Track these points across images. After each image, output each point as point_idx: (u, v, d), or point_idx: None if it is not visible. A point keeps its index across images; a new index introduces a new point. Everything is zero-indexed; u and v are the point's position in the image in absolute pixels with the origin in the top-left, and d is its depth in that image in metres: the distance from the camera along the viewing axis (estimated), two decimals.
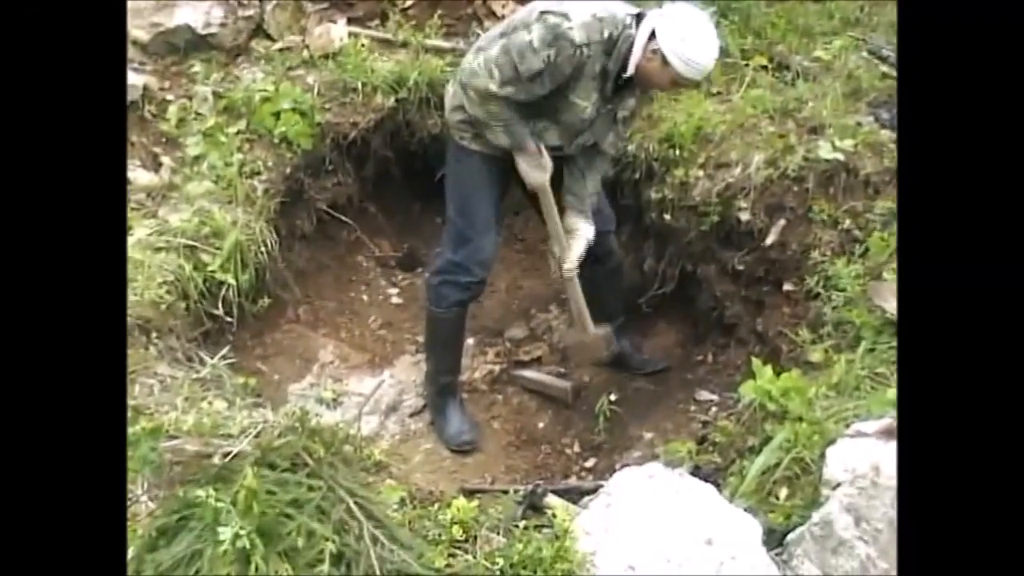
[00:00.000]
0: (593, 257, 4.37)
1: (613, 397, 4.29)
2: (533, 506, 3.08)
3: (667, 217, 4.62)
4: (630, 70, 3.68)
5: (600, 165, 4.13)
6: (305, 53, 5.30)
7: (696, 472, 3.09)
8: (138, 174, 4.39)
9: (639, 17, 3.69)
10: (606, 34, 3.64)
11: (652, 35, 3.61)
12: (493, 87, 3.72)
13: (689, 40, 3.58)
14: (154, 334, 3.64)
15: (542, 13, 3.66)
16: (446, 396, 4.39)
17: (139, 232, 4.04)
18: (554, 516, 2.64)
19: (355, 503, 2.51)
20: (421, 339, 4.90)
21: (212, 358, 3.59)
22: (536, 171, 3.93)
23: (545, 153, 3.93)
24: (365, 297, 5.32)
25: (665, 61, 3.59)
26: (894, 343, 3.34)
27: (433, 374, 4.43)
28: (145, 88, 4.74)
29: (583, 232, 4.10)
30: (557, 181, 4.08)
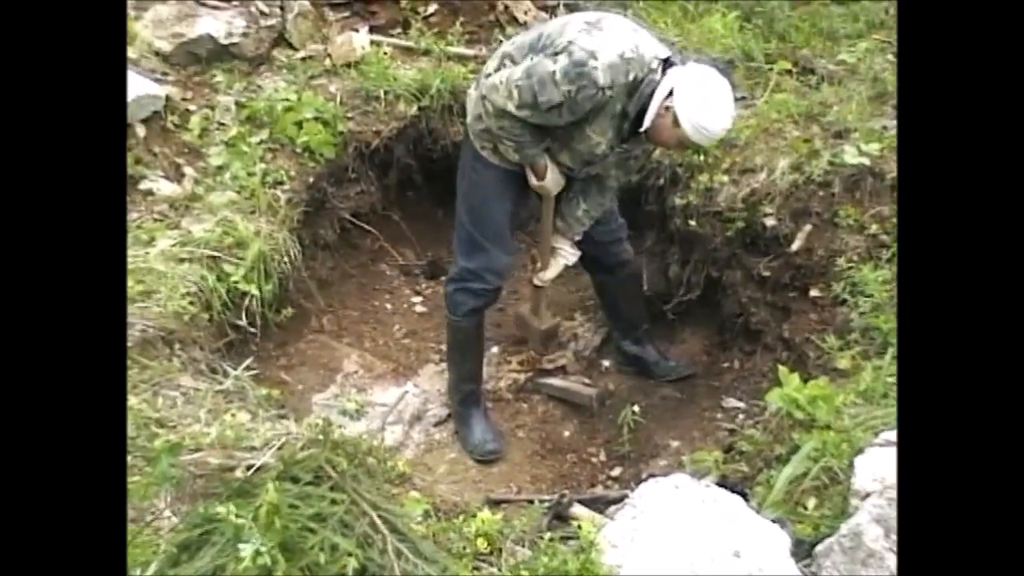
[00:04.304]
0: (604, 268, 4.44)
1: (636, 408, 4.25)
2: (559, 516, 3.07)
3: (692, 223, 4.60)
4: (645, 124, 3.63)
5: (597, 197, 4.14)
6: (327, 62, 5.31)
7: (723, 482, 3.07)
8: (161, 184, 4.39)
9: (667, 62, 3.62)
10: (631, 76, 3.57)
11: (671, 93, 3.56)
12: (511, 107, 3.69)
13: (704, 107, 3.53)
14: (177, 345, 3.64)
15: (570, 43, 3.57)
16: (470, 405, 4.39)
17: (162, 243, 4.04)
18: (579, 528, 2.61)
19: (379, 516, 2.49)
20: (445, 348, 4.90)
21: (235, 369, 3.59)
22: (545, 189, 4.04)
23: (555, 171, 3.98)
24: (389, 306, 5.31)
25: (676, 122, 3.56)
26: None
27: (456, 382, 4.44)
28: (168, 98, 4.74)
29: (565, 255, 4.27)
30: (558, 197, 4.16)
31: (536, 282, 4.34)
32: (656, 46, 3.67)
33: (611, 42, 3.57)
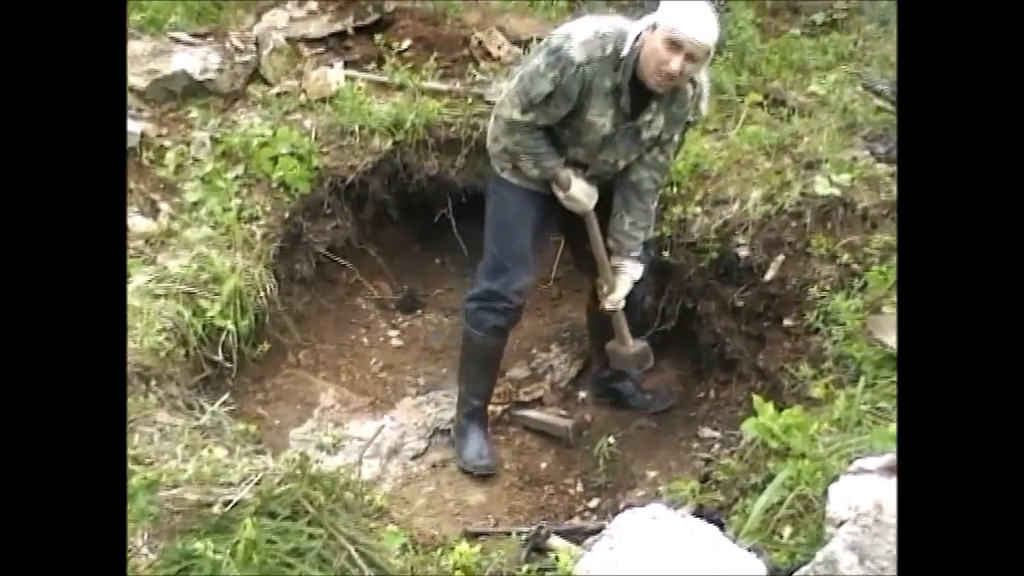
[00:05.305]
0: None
1: (613, 440, 4.26)
2: (537, 548, 3.07)
3: (666, 254, 4.63)
4: (625, 50, 3.65)
5: (638, 204, 4.08)
6: (302, 97, 5.33)
7: (700, 511, 3.08)
8: (136, 221, 4.40)
9: None
10: (609, 49, 3.66)
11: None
12: (516, 115, 3.84)
13: (682, 4, 3.54)
14: (153, 382, 3.64)
15: (550, 36, 3.78)
16: (472, 420, 4.42)
17: (138, 279, 4.04)
18: (557, 559, 2.62)
19: (356, 551, 2.50)
20: (422, 381, 4.91)
21: (212, 405, 3.59)
22: (576, 200, 4.01)
23: (580, 181, 3.98)
24: (365, 340, 5.32)
25: (655, 26, 3.56)
26: (895, 377, 3.34)
27: (464, 396, 4.44)
28: (143, 135, 4.75)
29: (629, 271, 4.16)
30: (603, 222, 4.13)
31: (608, 307, 4.21)
32: (638, 23, 3.71)
33: (586, 23, 3.75)
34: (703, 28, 3.54)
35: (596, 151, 3.93)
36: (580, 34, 3.68)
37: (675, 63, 3.55)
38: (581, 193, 3.99)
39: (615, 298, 4.16)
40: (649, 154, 4.00)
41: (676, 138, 4.03)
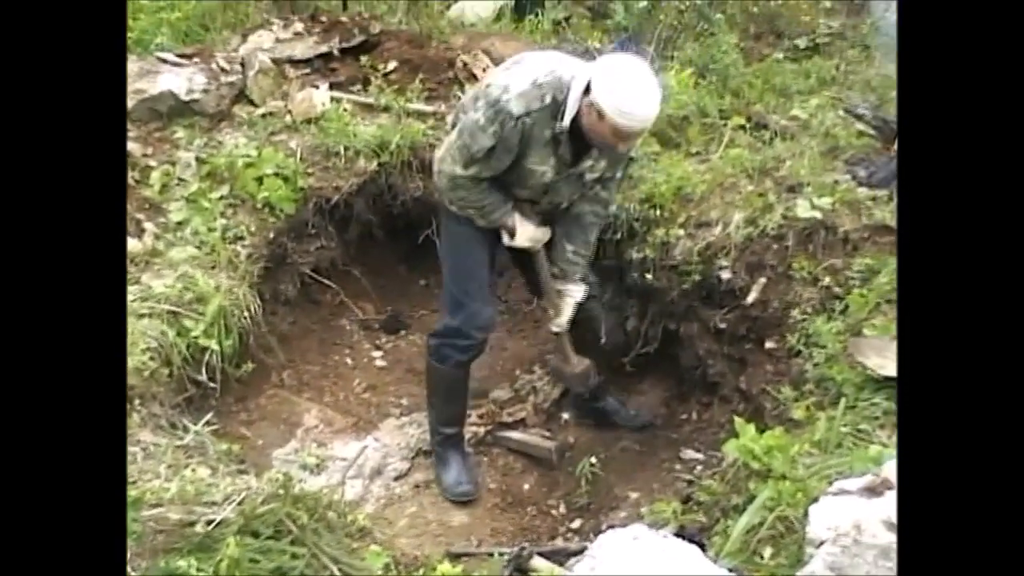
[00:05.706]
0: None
1: (595, 460, 4.28)
2: (519, 569, 3.08)
3: (649, 277, 4.64)
4: (563, 124, 3.66)
5: (580, 236, 4.15)
6: (288, 118, 5.35)
7: (681, 532, 3.09)
8: None
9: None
10: (548, 99, 3.64)
11: (588, 88, 3.56)
12: (458, 170, 3.81)
13: (624, 91, 3.48)
14: (137, 401, 3.63)
15: (488, 85, 3.74)
16: (448, 447, 4.43)
17: None
18: None
19: (339, 570, 2.51)
20: (405, 402, 4.91)
21: (195, 424, 3.58)
22: (523, 246, 4.08)
23: (528, 225, 4.02)
24: (349, 360, 5.32)
25: (601, 115, 3.52)
26: (875, 399, 3.36)
27: (436, 426, 4.45)
28: (129, 154, 4.75)
29: (572, 294, 4.22)
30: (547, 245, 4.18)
31: (554, 329, 4.32)
32: (573, 66, 3.70)
33: (525, 71, 3.70)
34: (649, 109, 3.54)
35: (540, 194, 3.97)
36: (517, 85, 3.64)
37: (622, 147, 3.68)
38: (527, 241, 4.06)
39: (560, 321, 4.27)
40: (591, 190, 4.06)
41: (619, 174, 4.12)
